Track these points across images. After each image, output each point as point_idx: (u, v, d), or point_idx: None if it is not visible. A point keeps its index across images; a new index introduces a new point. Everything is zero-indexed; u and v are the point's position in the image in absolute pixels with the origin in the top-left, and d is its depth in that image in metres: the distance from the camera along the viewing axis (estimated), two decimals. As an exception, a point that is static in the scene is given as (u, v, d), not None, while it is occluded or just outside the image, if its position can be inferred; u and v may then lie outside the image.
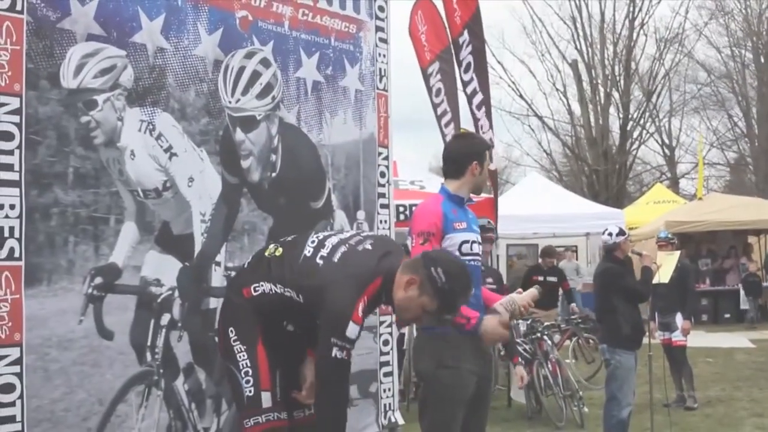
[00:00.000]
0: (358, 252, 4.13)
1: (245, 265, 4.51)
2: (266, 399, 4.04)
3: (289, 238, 4.42)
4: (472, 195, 4.97)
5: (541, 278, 12.47)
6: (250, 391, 4.04)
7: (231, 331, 4.18)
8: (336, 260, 4.07)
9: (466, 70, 10.03)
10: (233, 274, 4.99)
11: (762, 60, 38.07)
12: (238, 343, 4.11)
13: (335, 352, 3.89)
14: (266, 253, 4.35)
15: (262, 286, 4.17)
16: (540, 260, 13.82)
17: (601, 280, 7.93)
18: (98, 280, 4.43)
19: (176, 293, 4.81)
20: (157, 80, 4.74)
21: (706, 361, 13.88)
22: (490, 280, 5.97)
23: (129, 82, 4.57)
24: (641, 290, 7.85)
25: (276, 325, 4.24)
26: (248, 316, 4.16)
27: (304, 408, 4.31)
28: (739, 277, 21.39)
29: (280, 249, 4.29)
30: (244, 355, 4.08)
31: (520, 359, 6.50)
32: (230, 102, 5.13)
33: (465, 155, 4.82)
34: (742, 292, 20.71)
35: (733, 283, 21.41)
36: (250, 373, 4.06)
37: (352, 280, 3.98)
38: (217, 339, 4.47)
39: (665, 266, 8.70)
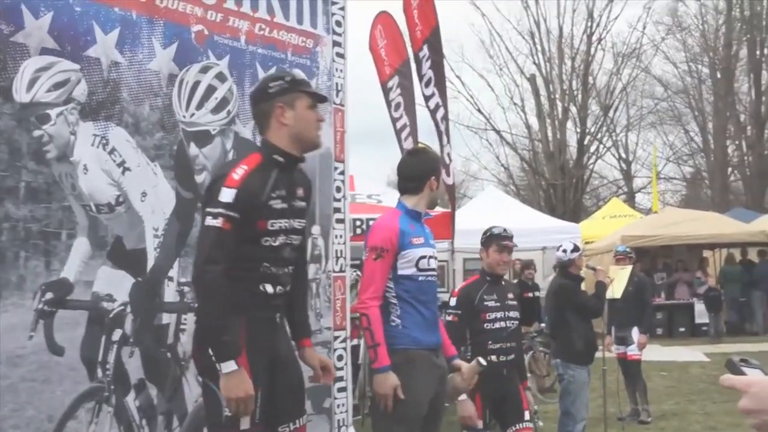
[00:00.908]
0: None
1: None
2: (245, 421, 3.85)
3: None
4: (427, 209, 4.99)
5: (530, 294, 12.70)
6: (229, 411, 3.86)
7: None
8: None
9: (428, 85, 10.10)
10: (186, 289, 4.96)
11: (718, 75, 38.68)
12: None
13: (207, 220, 3.79)
14: None
15: None
16: (522, 274, 13.75)
17: (555, 296, 8.00)
18: (49, 295, 4.38)
19: (128, 309, 4.77)
20: (111, 94, 4.71)
21: (660, 374, 14.01)
22: (510, 295, 5.93)
23: (83, 96, 4.54)
24: (594, 306, 7.95)
25: (259, 306, 4.01)
26: None
27: (288, 423, 4.20)
28: (693, 290, 21.62)
29: None
30: None
31: (529, 384, 6.26)
32: (184, 116, 5.11)
33: (423, 171, 4.83)
34: (697, 306, 20.91)
35: (682, 296, 21.63)
36: None
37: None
38: (192, 357, 4.33)
39: (618, 280, 8.81)
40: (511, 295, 5.99)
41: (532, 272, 13.59)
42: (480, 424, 5.67)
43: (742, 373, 1.73)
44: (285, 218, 4.00)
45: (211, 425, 4.01)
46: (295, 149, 4.08)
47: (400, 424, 4.58)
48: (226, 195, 3.80)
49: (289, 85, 4.10)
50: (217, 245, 3.77)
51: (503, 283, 6.08)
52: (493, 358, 5.73)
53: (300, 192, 4.16)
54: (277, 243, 3.96)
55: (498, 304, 5.90)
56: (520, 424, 5.88)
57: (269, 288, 4.01)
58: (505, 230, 6.09)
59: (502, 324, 5.86)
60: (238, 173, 3.86)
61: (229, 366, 3.71)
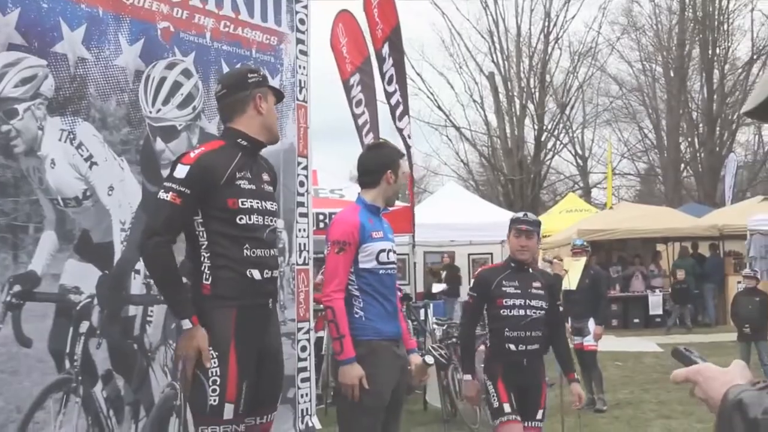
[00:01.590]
0: None
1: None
2: (229, 411, 3.93)
3: None
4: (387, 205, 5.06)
5: None
6: (214, 400, 3.92)
7: None
8: None
9: (389, 82, 10.20)
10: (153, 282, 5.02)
11: (672, 74, 39.18)
12: (210, 349, 3.95)
13: (160, 194, 3.93)
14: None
15: (204, 268, 4.05)
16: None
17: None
18: (17, 288, 4.42)
19: (95, 301, 4.81)
20: (78, 90, 4.76)
21: (615, 364, 14.22)
22: (537, 284, 5.64)
23: (50, 91, 4.58)
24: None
25: (248, 294, 4.08)
26: (219, 319, 4.00)
27: (256, 417, 4.27)
28: (647, 283, 21.97)
29: None
30: (215, 362, 3.94)
31: (575, 375, 5.92)
32: (151, 112, 5.17)
33: (379, 165, 4.89)
34: (651, 298, 21.22)
35: (638, 289, 21.95)
36: (218, 382, 3.93)
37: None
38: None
39: (572, 272, 8.97)
40: (537, 284, 5.66)
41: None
42: (497, 402, 5.60)
43: (692, 361, 1.81)
44: (255, 198, 4.10)
45: (196, 414, 4.06)
46: (261, 137, 4.22)
47: (364, 414, 4.64)
48: (180, 171, 3.93)
49: (263, 79, 4.29)
50: (164, 218, 3.90)
51: (530, 271, 5.76)
52: (511, 346, 5.57)
53: (266, 177, 4.29)
54: (252, 221, 4.05)
55: (518, 291, 5.62)
56: (531, 423, 5.62)
57: (256, 274, 4.09)
58: (525, 214, 5.87)
59: (521, 312, 5.58)
60: (195, 152, 4.03)
61: (185, 324, 3.93)
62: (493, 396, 5.62)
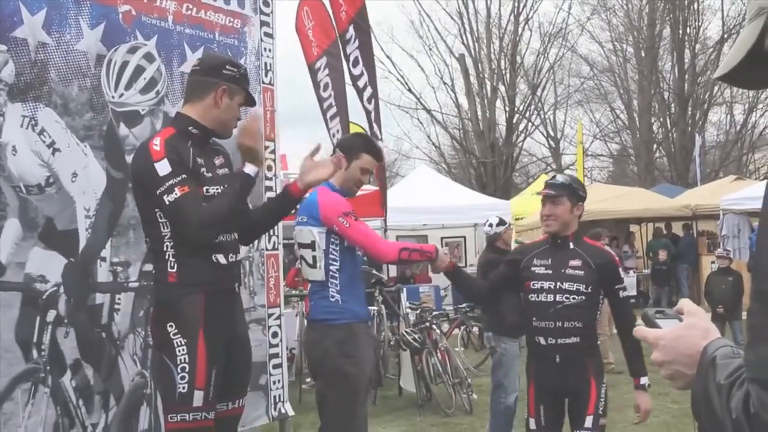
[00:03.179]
0: None
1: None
2: (198, 398, 3.91)
3: None
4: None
5: None
6: (183, 388, 3.90)
7: (170, 326, 3.96)
8: None
9: (355, 65, 10.15)
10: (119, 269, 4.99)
11: (642, 54, 39.31)
12: (178, 336, 3.92)
13: (166, 200, 3.86)
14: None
15: (168, 257, 4.02)
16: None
17: (483, 270, 8.13)
18: (-19, 277, 4.37)
19: (62, 289, 4.77)
20: (39, 75, 4.69)
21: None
22: (575, 263, 4.82)
23: (10, 77, 4.51)
24: (523, 278, 8.06)
25: (216, 279, 4.07)
26: (187, 306, 3.97)
27: (227, 402, 4.25)
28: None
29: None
30: (183, 350, 3.91)
31: (641, 381, 4.77)
32: (113, 97, 5.11)
33: (342, 149, 4.95)
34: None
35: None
36: (187, 369, 3.90)
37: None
38: (149, 331, 4.36)
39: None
40: (576, 263, 4.73)
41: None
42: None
43: (657, 326, 1.80)
44: (215, 185, 4.09)
45: (165, 402, 4.06)
46: (212, 128, 4.18)
47: (352, 395, 4.72)
48: (163, 167, 3.87)
49: (240, 77, 4.21)
50: (191, 210, 3.86)
51: (571, 246, 4.82)
52: (540, 339, 4.74)
53: (218, 161, 4.26)
54: None
55: (549, 271, 4.76)
56: None
57: (222, 258, 4.08)
58: (554, 177, 5.13)
59: (550, 297, 4.71)
60: (157, 143, 3.95)
61: (249, 168, 4.10)
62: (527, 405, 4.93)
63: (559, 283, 4.71)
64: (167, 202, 3.85)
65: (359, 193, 5.24)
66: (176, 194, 3.85)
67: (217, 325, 4.02)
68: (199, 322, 3.95)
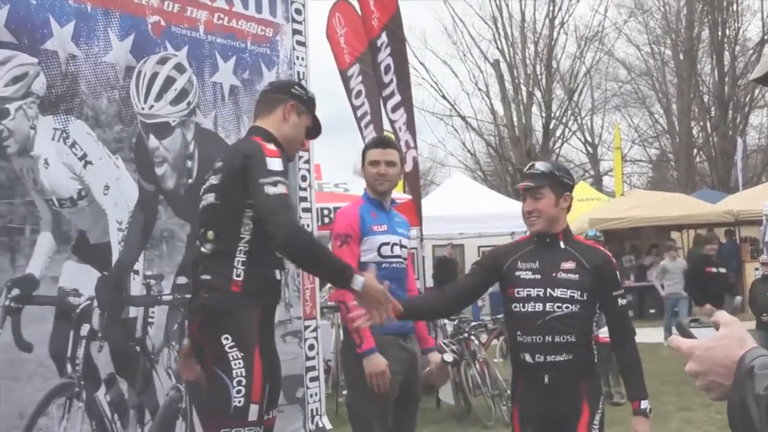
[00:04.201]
0: None
1: (204, 276, 4.01)
2: (254, 412, 3.80)
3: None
4: (394, 196, 5.02)
5: (714, 270, 12.12)
6: (239, 402, 3.78)
7: (226, 338, 3.82)
8: None
9: (386, 72, 10.05)
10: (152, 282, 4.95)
11: (681, 57, 38.89)
12: (234, 350, 3.80)
13: (268, 189, 3.71)
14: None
15: (236, 263, 3.89)
16: (706, 248, 13.22)
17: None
18: (15, 291, 4.37)
19: (95, 303, 4.76)
20: (69, 87, 4.69)
21: (631, 355, 14.11)
22: (568, 265, 4.02)
23: (41, 89, 4.52)
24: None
25: (272, 294, 4.01)
26: (246, 319, 3.87)
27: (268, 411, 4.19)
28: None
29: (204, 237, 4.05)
30: (240, 363, 3.79)
31: (641, 405, 4.01)
32: (143, 108, 5.09)
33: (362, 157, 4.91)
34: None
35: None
36: (243, 383, 3.78)
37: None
38: (195, 343, 4.24)
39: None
40: (569, 265, 3.98)
41: (714, 247, 13.11)
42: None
43: (692, 336, 1.76)
44: None
45: (218, 417, 3.90)
46: (285, 146, 4.06)
47: (371, 405, 4.65)
48: (275, 163, 3.76)
49: (308, 99, 4.14)
50: (290, 208, 3.81)
51: (562, 246, 4.08)
52: (526, 356, 3.98)
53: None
54: None
55: (537, 276, 3.99)
56: None
57: (277, 274, 4.00)
58: (531, 165, 4.31)
59: (538, 307, 3.95)
60: (271, 145, 3.87)
61: (358, 280, 3.74)
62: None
63: (549, 290, 3.95)
64: (269, 193, 3.70)
65: (399, 201, 5.19)
66: (280, 190, 3.72)
67: (268, 339, 3.96)
68: (256, 336, 3.83)
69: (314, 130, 4.23)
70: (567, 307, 3.92)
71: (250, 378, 3.80)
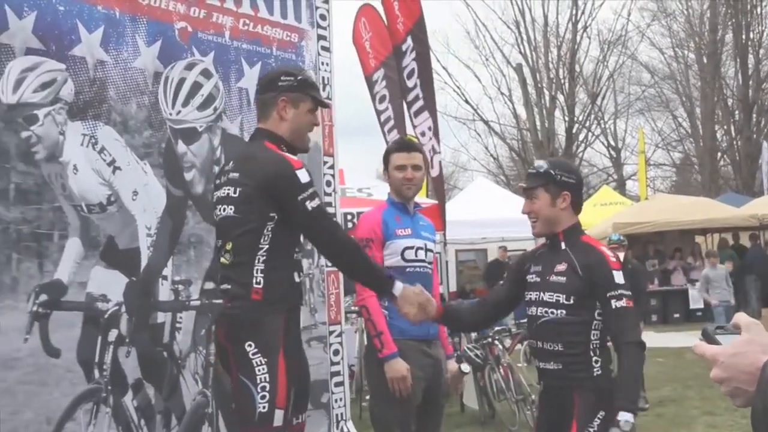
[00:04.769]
0: None
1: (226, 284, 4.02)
2: (279, 418, 3.81)
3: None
4: (418, 200, 5.00)
5: None
6: (264, 407, 3.78)
7: (249, 345, 3.83)
8: None
9: (410, 77, 10.03)
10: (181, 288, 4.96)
11: (705, 60, 38.64)
12: (258, 356, 3.80)
13: (307, 205, 3.80)
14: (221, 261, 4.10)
15: (255, 271, 3.88)
16: None
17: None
18: (43, 297, 4.37)
19: (123, 308, 4.76)
20: (98, 93, 4.70)
21: (656, 361, 13.97)
22: (561, 267, 3.86)
23: (70, 95, 4.53)
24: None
25: (294, 297, 4.02)
26: (269, 325, 3.86)
27: (292, 418, 4.17)
28: (687, 276, 21.62)
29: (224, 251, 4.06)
30: (263, 369, 3.79)
31: (619, 417, 3.57)
32: (171, 114, 5.10)
33: (384, 161, 4.92)
34: (691, 292, 20.89)
35: (679, 283, 21.63)
36: (268, 389, 3.79)
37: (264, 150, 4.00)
38: (211, 350, 4.24)
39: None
40: (561, 267, 3.84)
41: None
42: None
43: (717, 343, 1.75)
44: None
45: (243, 424, 3.92)
46: (293, 142, 4.09)
47: (393, 410, 4.67)
48: (305, 175, 3.86)
49: (298, 84, 4.09)
50: (334, 222, 3.99)
51: (563, 247, 3.93)
52: (536, 361, 4.03)
53: None
54: None
55: (537, 279, 3.94)
56: None
57: (297, 276, 4.01)
58: (532, 167, 4.15)
59: (533, 311, 3.92)
60: (292, 156, 3.95)
61: (398, 286, 3.98)
62: None
63: (541, 294, 3.87)
64: (310, 208, 3.81)
65: (424, 205, 5.19)
66: (318, 202, 3.86)
67: (293, 343, 3.97)
68: (279, 341, 3.84)
69: (320, 104, 4.23)
70: (552, 312, 3.80)
71: (275, 383, 3.80)
